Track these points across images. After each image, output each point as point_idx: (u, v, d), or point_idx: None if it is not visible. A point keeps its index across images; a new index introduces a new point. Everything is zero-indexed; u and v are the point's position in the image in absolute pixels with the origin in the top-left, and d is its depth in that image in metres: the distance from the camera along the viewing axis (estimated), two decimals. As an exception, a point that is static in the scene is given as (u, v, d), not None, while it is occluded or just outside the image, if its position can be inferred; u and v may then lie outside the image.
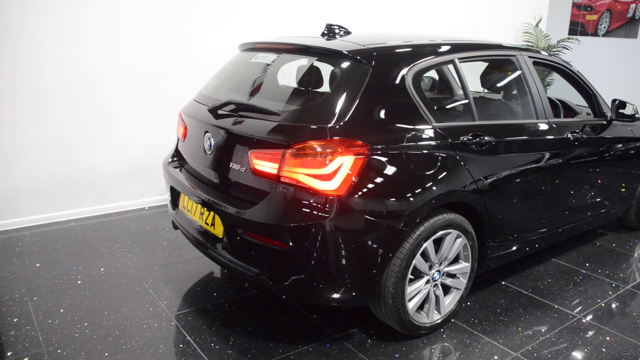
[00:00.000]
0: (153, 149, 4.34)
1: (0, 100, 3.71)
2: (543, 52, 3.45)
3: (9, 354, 2.48)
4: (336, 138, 2.30)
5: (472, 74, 3.52)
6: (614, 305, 3.16)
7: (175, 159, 3.17)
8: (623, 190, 3.95)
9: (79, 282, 3.19)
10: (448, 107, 2.94)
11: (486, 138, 2.75)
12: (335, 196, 2.24)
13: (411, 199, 2.40)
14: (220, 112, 2.73)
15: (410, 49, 2.70)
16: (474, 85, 3.65)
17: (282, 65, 2.97)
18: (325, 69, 2.72)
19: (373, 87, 2.44)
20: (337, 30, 2.96)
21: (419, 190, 2.43)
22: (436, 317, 2.74)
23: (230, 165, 2.57)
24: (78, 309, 2.89)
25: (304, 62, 2.93)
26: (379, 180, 2.35)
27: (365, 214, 2.30)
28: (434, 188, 2.48)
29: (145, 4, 4.16)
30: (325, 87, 2.67)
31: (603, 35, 10.04)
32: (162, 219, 4.25)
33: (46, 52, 3.84)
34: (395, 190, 2.39)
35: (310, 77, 2.81)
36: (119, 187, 4.39)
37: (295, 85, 2.86)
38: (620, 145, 3.78)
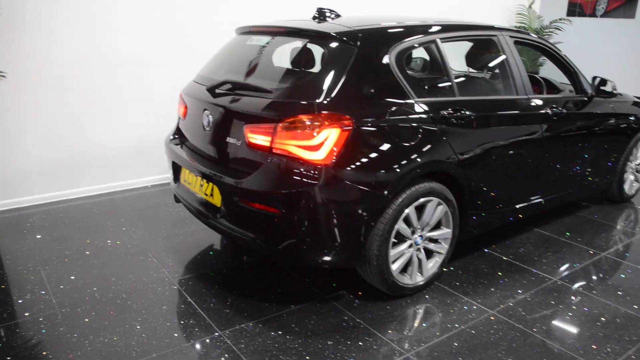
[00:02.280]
0: (155, 130, 4.53)
1: (10, 84, 3.90)
2: (524, 32, 3.62)
3: (26, 314, 2.71)
4: (324, 112, 2.50)
5: (461, 53, 3.72)
6: (588, 270, 3.37)
7: (176, 136, 3.37)
8: (604, 164, 4.13)
9: (87, 253, 3.42)
10: (430, 84, 3.13)
11: (466, 112, 2.94)
12: (323, 165, 2.45)
13: (393, 168, 2.60)
14: (217, 91, 2.92)
15: (393, 30, 2.88)
16: (461, 64, 3.83)
17: (275, 47, 3.15)
18: (315, 50, 2.90)
19: (358, 65, 2.63)
20: (327, 14, 3.14)
21: (400, 160, 2.63)
22: (419, 279, 2.96)
23: (227, 140, 2.77)
24: (87, 276, 3.11)
25: (295, 43, 3.11)
26: (363, 150, 2.55)
27: (350, 181, 2.50)
28: (415, 158, 2.68)
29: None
30: (315, 67, 2.85)
31: (601, 16, 10.12)
32: (164, 196, 4.47)
33: (54, 39, 4.02)
34: (378, 160, 2.59)
35: (301, 57, 3.00)
36: (124, 166, 4.60)
37: (287, 65, 3.05)
38: (601, 121, 3.95)
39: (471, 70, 3.80)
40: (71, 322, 2.64)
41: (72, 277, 3.10)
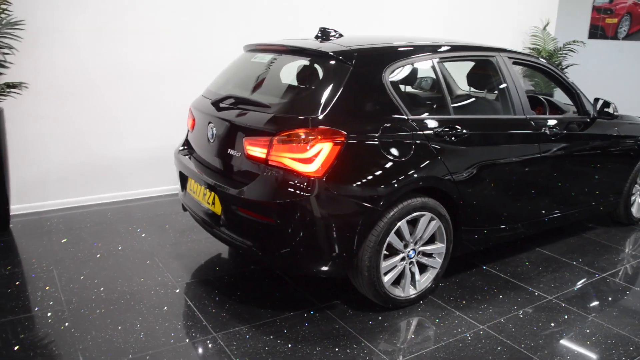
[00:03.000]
0: (168, 141, 4.71)
1: (33, 95, 4.16)
2: (522, 54, 3.70)
3: (35, 309, 2.88)
4: (318, 127, 2.62)
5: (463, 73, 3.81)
6: (586, 290, 3.38)
7: (184, 147, 3.54)
8: (609, 185, 4.13)
9: (98, 255, 3.59)
10: (425, 102, 3.23)
11: (459, 130, 3.02)
12: (315, 177, 2.57)
13: (383, 182, 2.70)
14: (221, 105, 3.08)
15: (388, 50, 3.01)
16: (463, 84, 3.93)
17: (278, 64, 3.30)
18: (314, 68, 3.04)
19: (353, 83, 2.76)
20: (332, 33, 3.28)
21: (391, 174, 2.73)
22: (412, 292, 3.02)
23: (229, 152, 2.92)
24: (96, 277, 3.28)
25: (296, 61, 3.26)
26: (355, 164, 2.66)
27: (342, 193, 2.61)
28: (406, 173, 2.77)
29: (162, 11, 4.57)
30: (314, 84, 2.99)
31: (623, 39, 10.10)
32: (175, 206, 4.64)
33: (75, 53, 4.28)
34: (369, 174, 2.69)
35: (301, 75, 3.14)
36: (138, 176, 4.81)
37: (288, 82, 3.19)
38: (604, 143, 3.97)
39: (472, 89, 3.88)
40: (76, 318, 2.80)
41: (82, 277, 3.26)
